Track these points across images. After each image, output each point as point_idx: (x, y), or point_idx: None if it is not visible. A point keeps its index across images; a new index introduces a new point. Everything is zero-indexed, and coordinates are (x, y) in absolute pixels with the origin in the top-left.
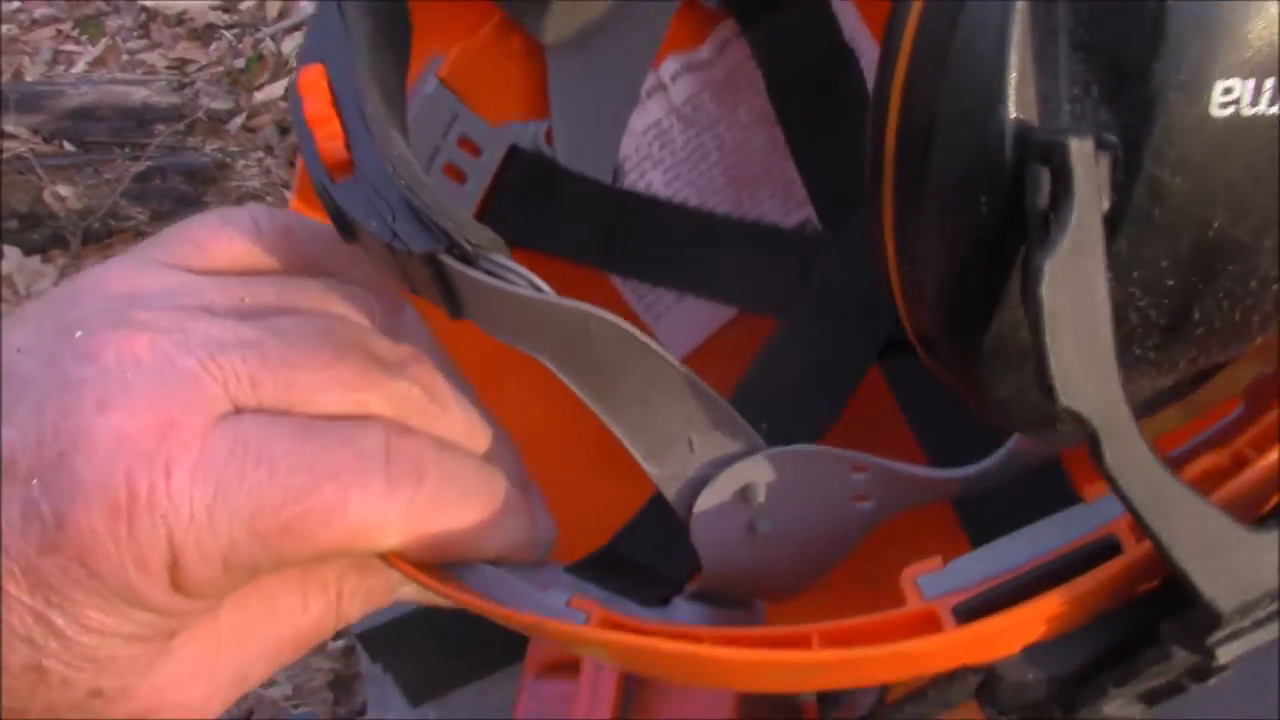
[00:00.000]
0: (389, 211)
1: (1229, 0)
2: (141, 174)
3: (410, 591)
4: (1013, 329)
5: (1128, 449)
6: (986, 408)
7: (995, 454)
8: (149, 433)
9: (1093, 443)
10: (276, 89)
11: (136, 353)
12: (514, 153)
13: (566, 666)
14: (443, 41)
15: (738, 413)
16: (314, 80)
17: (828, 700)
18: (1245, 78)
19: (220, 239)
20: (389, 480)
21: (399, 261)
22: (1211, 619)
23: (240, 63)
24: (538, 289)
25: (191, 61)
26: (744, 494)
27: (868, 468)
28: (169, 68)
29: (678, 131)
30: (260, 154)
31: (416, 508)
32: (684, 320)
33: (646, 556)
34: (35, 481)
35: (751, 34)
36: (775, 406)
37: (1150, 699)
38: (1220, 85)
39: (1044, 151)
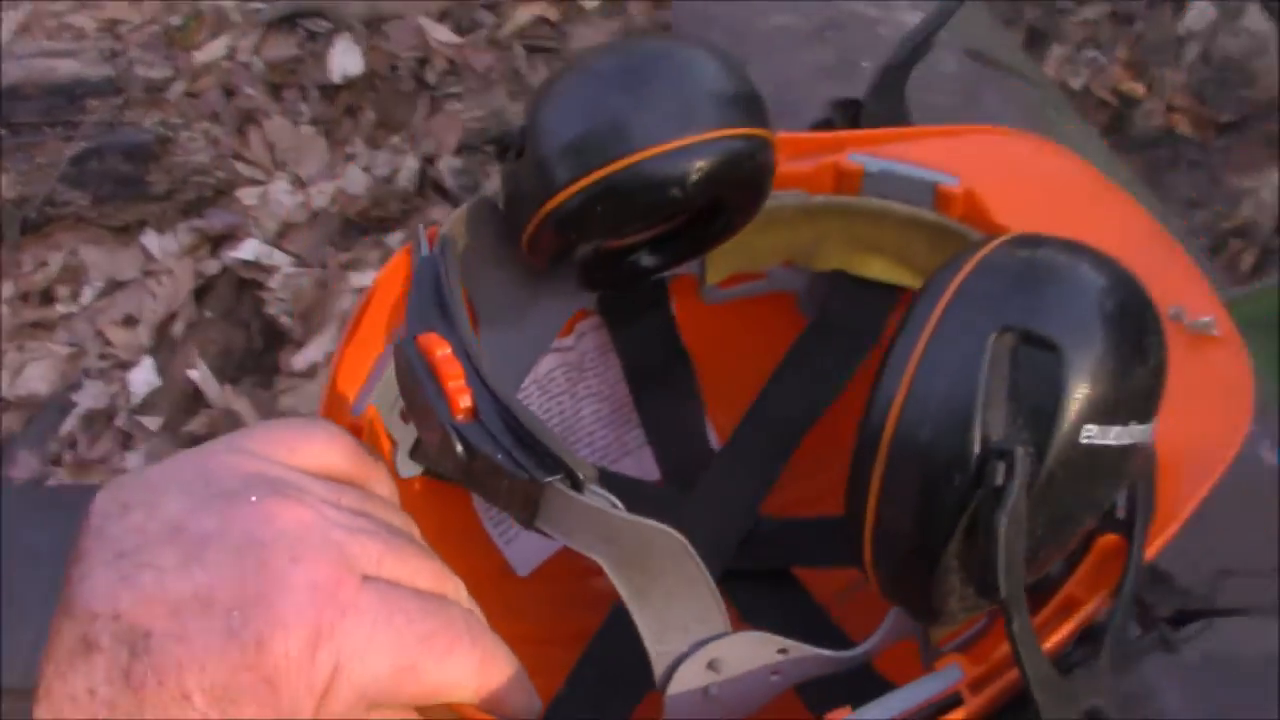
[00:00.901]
0: (507, 447)
1: (1096, 379)
2: (77, 156)
3: None
4: (954, 564)
5: (1021, 619)
6: (924, 609)
7: (870, 640)
8: (330, 582)
9: (1007, 617)
10: (218, 47)
11: (304, 520)
12: None
13: None
14: None
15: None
16: (435, 343)
17: None
18: (1101, 424)
19: (309, 444)
20: (472, 642)
21: (493, 480)
22: None
23: (176, 20)
24: (617, 508)
25: (123, 21)
26: (712, 665)
27: (790, 650)
28: (99, 30)
29: (549, 390)
30: (206, 124)
31: (480, 666)
32: (530, 541)
33: None
34: (235, 614)
35: (615, 333)
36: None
37: None
38: (1085, 428)
39: (1000, 454)
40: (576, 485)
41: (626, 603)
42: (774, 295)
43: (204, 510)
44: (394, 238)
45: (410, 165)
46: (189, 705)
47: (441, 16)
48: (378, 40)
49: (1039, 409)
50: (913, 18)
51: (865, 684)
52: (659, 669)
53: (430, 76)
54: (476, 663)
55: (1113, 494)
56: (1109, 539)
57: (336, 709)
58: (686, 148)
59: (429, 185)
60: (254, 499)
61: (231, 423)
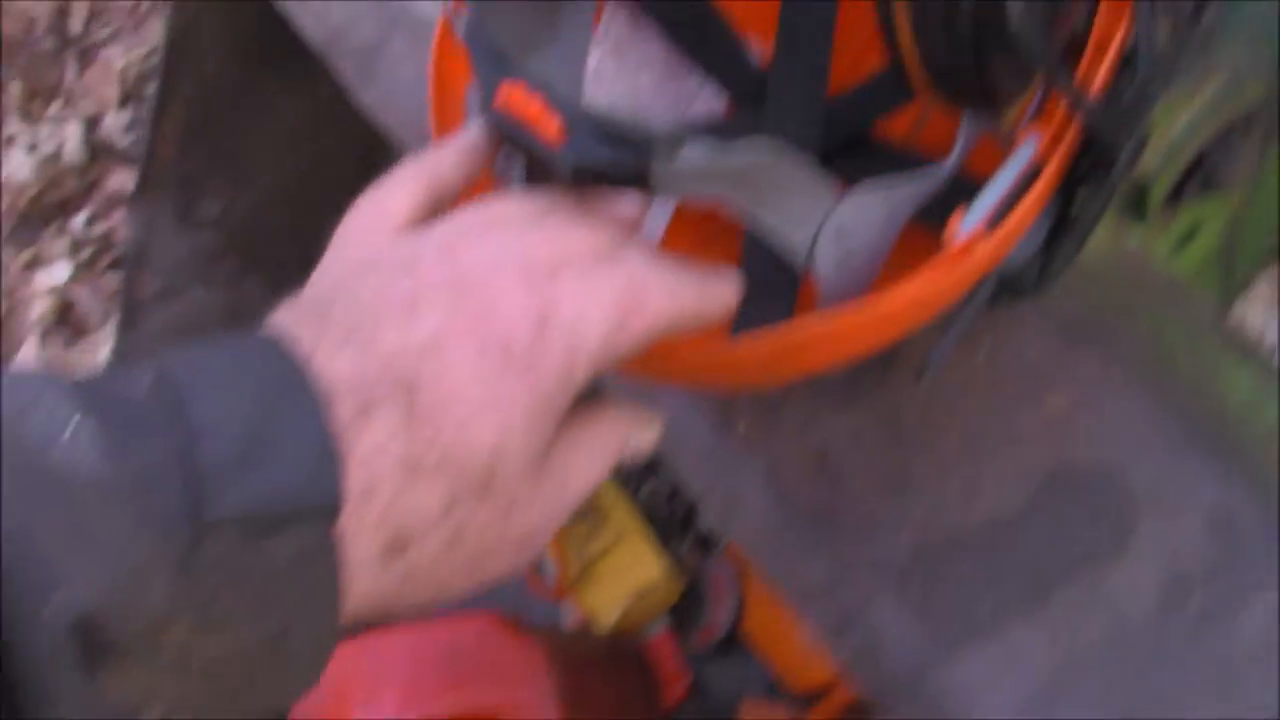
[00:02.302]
0: (606, 150)
1: None
2: None
3: None
4: (993, 49)
5: (1061, 75)
6: (986, 100)
7: (955, 149)
8: (527, 275)
9: (1050, 80)
10: None
11: (474, 247)
12: None
13: None
14: None
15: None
16: (511, 90)
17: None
18: None
19: (400, 196)
20: (658, 279)
21: (608, 179)
22: (1109, 159)
23: None
24: (712, 149)
25: None
26: (839, 230)
27: (895, 187)
28: None
29: (603, 78)
30: None
31: (672, 295)
32: (654, 212)
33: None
34: (473, 334)
35: (639, 3)
36: None
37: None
38: None
39: None
40: (675, 150)
41: (752, 216)
42: None
43: (393, 282)
44: (78, 219)
45: (75, 133)
46: (475, 424)
47: None
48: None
49: None
50: None
51: (969, 189)
52: (801, 254)
53: (73, 26)
54: (670, 294)
55: None
56: None
57: (581, 375)
58: None
59: (101, 150)
60: (430, 254)
61: None
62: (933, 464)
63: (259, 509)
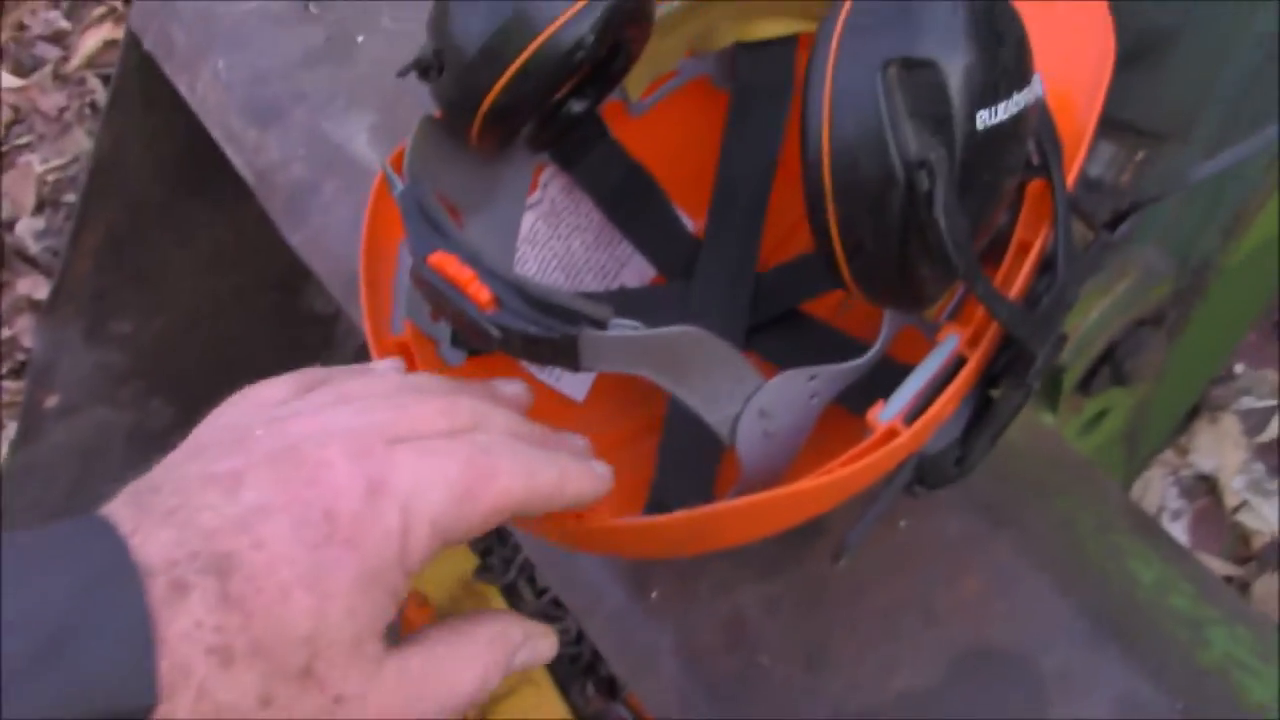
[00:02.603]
0: (534, 320)
1: (971, 74)
2: None
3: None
4: (919, 258)
5: (981, 283)
6: (909, 302)
7: (877, 341)
8: (362, 445)
9: (970, 286)
10: None
11: (311, 422)
12: None
13: None
14: None
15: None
16: (444, 259)
17: None
18: (990, 106)
19: (270, 388)
20: (512, 455)
21: (533, 347)
22: (1028, 360)
23: None
24: (639, 329)
25: None
26: (761, 412)
27: (818, 374)
28: None
29: (536, 241)
30: None
31: (529, 475)
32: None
33: (678, 497)
34: (294, 505)
35: (574, 174)
36: None
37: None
38: (978, 116)
39: (920, 164)
40: (601, 325)
41: (675, 393)
42: (690, 83)
43: (220, 458)
44: None
45: None
46: (291, 600)
47: None
48: None
49: (937, 116)
50: None
51: (889, 374)
52: (723, 432)
53: None
54: (524, 473)
55: (1023, 152)
56: (1035, 183)
57: (419, 547)
58: (579, 13)
59: (11, 255)
60: (259, 431)
61: None
62: (851, 639)
63: (59, 713)
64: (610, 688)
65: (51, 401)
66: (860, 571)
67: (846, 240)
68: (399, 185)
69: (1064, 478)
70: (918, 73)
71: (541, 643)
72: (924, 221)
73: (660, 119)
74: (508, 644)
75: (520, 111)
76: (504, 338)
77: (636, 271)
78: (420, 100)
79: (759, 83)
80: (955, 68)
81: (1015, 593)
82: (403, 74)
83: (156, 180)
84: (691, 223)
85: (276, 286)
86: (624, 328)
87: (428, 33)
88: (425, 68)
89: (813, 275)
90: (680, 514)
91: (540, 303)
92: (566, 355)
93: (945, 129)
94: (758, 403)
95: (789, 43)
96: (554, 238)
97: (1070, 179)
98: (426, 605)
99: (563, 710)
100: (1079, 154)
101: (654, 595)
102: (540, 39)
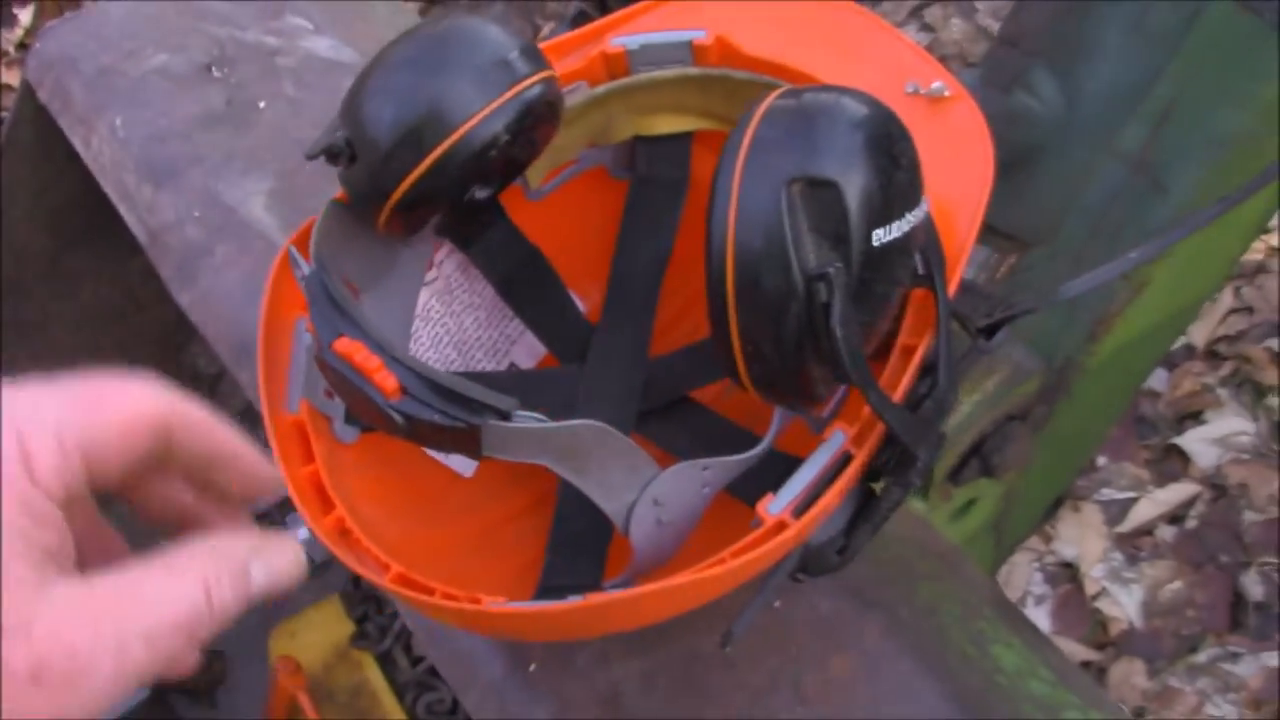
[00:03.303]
0: (439, 409)
1: (869, 196)
2: None
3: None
4: (812, 362)
5: (873, 391)
6: (798, 400)
7: (766, 436)
8: None
9: (863, 393)
10: None
11: None
12: None
13: None
14: None
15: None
16: (350, 346)
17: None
18: (884, 226)
19: None
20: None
21: (435, 435)
22: (910, 459)
23: None
24: (543, 422)
25: None
26: (655, 501)
27: (710, 465)
28: None
29: (430, 318)
30: None
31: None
32: None
33: (570, 578)
34: None
35: (469, 255)
36: None
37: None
38: (874, 234)
39: (819, 277)
40: (504, 417)
41: (573, 482)
42: (587, 173)
43: None
44: None
45: None
46: None
47: None
48: None
49: (836, 233)
50: (317, 44)
51: (776, 465)
52: (618, 521)
53: None
54: (157, 390)
55: (912, 264)
56: (919, 292)
57: (43, 455)
58: (493, 112)
59: None
60: None
61: None
62: (722, 717)
63: None
64: None
65: None
66: (735, 648)
67: (746, 346)
68: (304, 267)
69: (931, 564)
70: (819, 191)
71: (276, 557)
72: (820, 330)
73: (556, 205)
74: (232, 556)
75: (429, 204)
76: (408, 425)
77: (527, 349)
78: (318, 169)
79: (656, 176)
80: (854, 187)
81: (882, 675)
82: (311, 157)
83: (43, 232)
84: (583, 304)
85: (159, 343)
86: (527, 419)
87: (340, 118)
88: (335, 154)
89: (701, 365)
90: (575, 602)
91: (446, 392)
92: (469, 443)
93: (843, 245)
94: (652, 492)
95: (685, 138)
96: (447, 315)
97: (951, 289)
98: (299, 673)
99: None
100: (959, 264)
101: (532, 667)
102: (454, 137)
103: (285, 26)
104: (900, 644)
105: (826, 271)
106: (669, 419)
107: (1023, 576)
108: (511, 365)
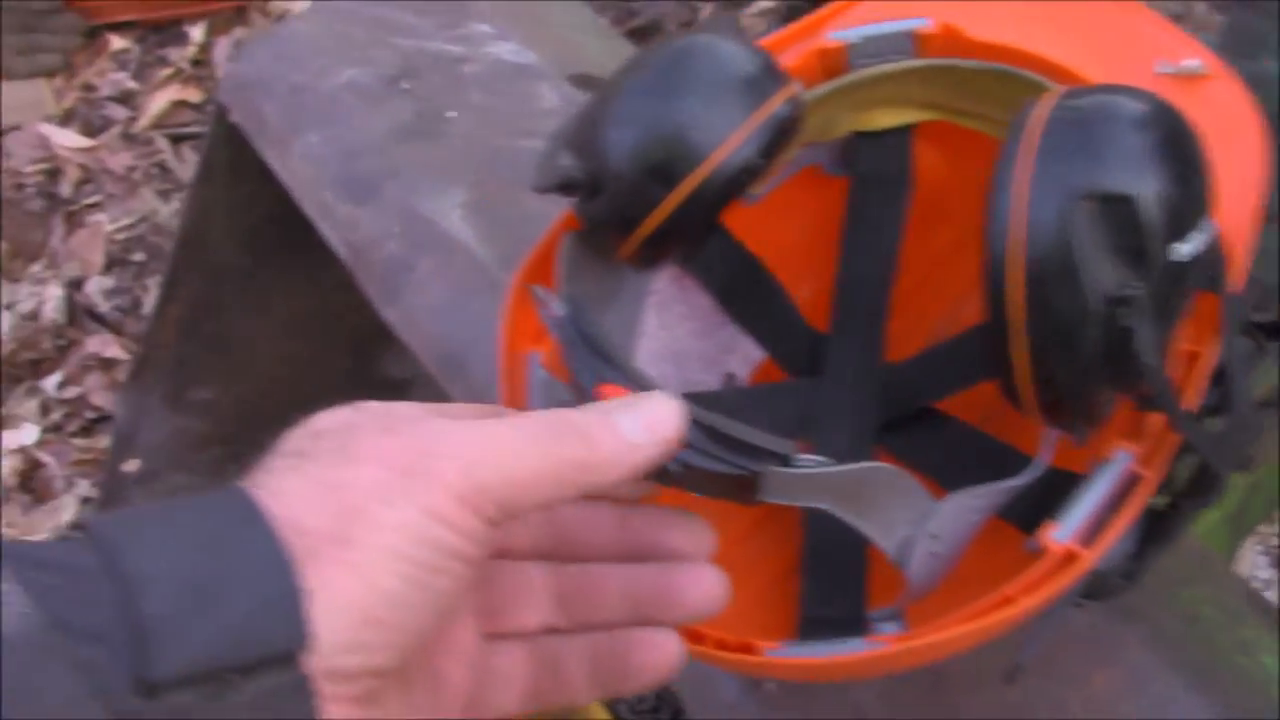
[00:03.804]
0: (719, 458)
1: (1166, 207)
2: None
3: None
4: (1105, 385)
5: (1180, 415)
6: (1083, 424)
7: (1038, 460)
8: None
9: (1172, 421)
10: None
11: None
12: None
13: None
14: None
15: None
16: (615, 392)
17: None
18: (1181, 239)
19: None
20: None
21: (710, 482)
22: (1215, 481)
23: None
24: (826, 465)
25: None
26: (932, 535)
27: (984, 493)
28: None
29: (645, 333)
30: None
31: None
32: None
33: (831, 612)
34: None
35: (687, 267)
36: None
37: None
38: (1171, 249)
39: (1121, 300)
40: (786, 462)
41: (849, 522)
42: (801, 172)
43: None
44: (50, 380)
45: (55, 295)
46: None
47: (66, 119)
48: None
49: (1134, 249)
50: (501, 49)
51: (1052, 483)
52: (893, 555)
53: (64, 189)
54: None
55: (1210, 273)
56: (1203, 297)
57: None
58: (749, 136)
59: (81, 313)
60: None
61: None
62: None
63: (211, 661)
64: None
65: (132, 466)
66: (983, 665)
67: (1039, 372)
68: (553, 308)
69: (1187, 566)
70: (1113, 206)
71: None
72: (1120, 355)
73: (771, 207)
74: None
75: (681, 235)
76: (687, 473)
77: (742, 357)
78: (510, 176)
79: (877, 173)
80: (1150, 200)
81: (1148, 690)
82: (542, 191)
83: (239, 249)
84: (801, 308)
85: (352, 352)
86: (810, 464)
87: (572, 150)
88: (575, 188)
89: (941, 372)
90: (877, 650)
91: (724, 438)
92: (745, 490)
93: (1142, 262)
94: (931, 527)
95: (905, 131)
96: (662, 328)
97: (1239, 286)
98: None
99: None
100: (1239, 259)
101: (769, 686)
102: (706, 168)
103: (468, 34)
104: (1164, 656)
105: (1127, 295)
106: (913, 432)
107: (1247, 560)
108: (727, 375)
